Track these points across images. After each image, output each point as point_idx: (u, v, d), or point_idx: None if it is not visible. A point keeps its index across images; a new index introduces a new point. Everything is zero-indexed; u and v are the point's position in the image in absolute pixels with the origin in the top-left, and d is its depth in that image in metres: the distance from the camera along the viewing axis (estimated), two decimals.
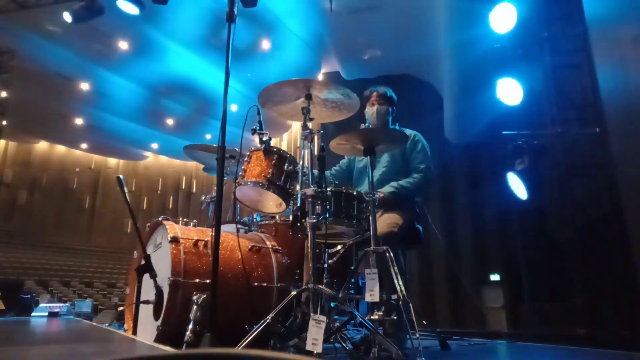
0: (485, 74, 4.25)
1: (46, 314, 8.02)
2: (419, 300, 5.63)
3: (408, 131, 2.88)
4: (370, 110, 2.87)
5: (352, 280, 2.58)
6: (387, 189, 2.64)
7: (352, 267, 2.49)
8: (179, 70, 12.79)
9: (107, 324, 5.42)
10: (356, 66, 7.92)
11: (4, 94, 13.91)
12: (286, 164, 2.38)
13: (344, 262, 2.62)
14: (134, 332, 2.25)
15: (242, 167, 2.45)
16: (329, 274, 2.23)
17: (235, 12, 2.15)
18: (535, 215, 4.01)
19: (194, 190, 21.85)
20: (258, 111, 2.37)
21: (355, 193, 2.25)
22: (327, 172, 2.97)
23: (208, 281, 2.14)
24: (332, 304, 2.13)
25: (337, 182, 2.85)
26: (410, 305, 2.03)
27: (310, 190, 2.09)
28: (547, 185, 3.80)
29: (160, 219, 2.51)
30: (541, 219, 3.99)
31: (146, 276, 2.16)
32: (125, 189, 2.37)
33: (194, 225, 2.56)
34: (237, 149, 2.52)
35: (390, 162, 2.82)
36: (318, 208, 2.09)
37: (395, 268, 2.07)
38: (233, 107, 12.57)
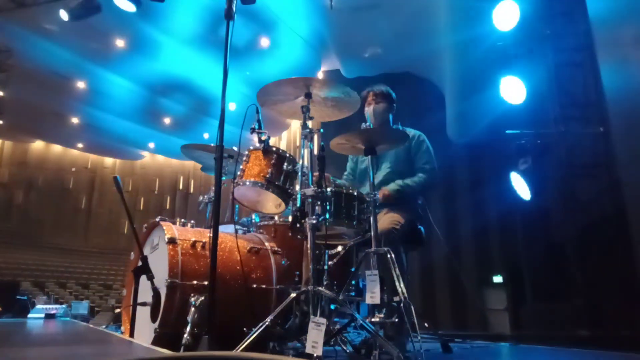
0: (488, 72, 4.22)
1: (42, 315, 7.96)
2: (421, 302, 5.60)
3: (412, 131, 2.86)
4: (369, 110, 2.88)
5: (353, 282, 2.55)
6: (391, 186, 2.67)
7: (353, 269, 2.45)
8: (177, 68, 12.75)
9: (104, 326, 5.38)
10: (357, 64, 7.89)
11: (0, 93, 13.83)
12: (285, 164, 2.34)
13: (344, 264, 2.58)
14: (131, 335, 2.21)
15: (241, 167, 2.41)
16: (329, 275, 2.19)
17: (234, 9, 2.11)
18: (538, 216, 3.98)
19: (192, 191, 21.79)
20: (257, 110, 2.34)
21: (355, 193, 2.22)
22: (340, 181, 2.96)
23: (206, 283, 2.11)
24: (332, 306, 2.10)
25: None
26: (412, 307, 1.99)
27: (310, 191, 2.06)
28: (550, 185, 3.78)
29: (157, 219, 2.49)
30: (544, 219, 3.96)
31: (143, 278, 2.13)
32: (122, 189, 2.33)
33: (192, 226, 2.53)
34: (236, 149, 2.48)
35: (394, 162, 2.81)
36: (318, 208, 2.05)
37: (397, 270, 2.04)
38: (231, 106, 12.53)
